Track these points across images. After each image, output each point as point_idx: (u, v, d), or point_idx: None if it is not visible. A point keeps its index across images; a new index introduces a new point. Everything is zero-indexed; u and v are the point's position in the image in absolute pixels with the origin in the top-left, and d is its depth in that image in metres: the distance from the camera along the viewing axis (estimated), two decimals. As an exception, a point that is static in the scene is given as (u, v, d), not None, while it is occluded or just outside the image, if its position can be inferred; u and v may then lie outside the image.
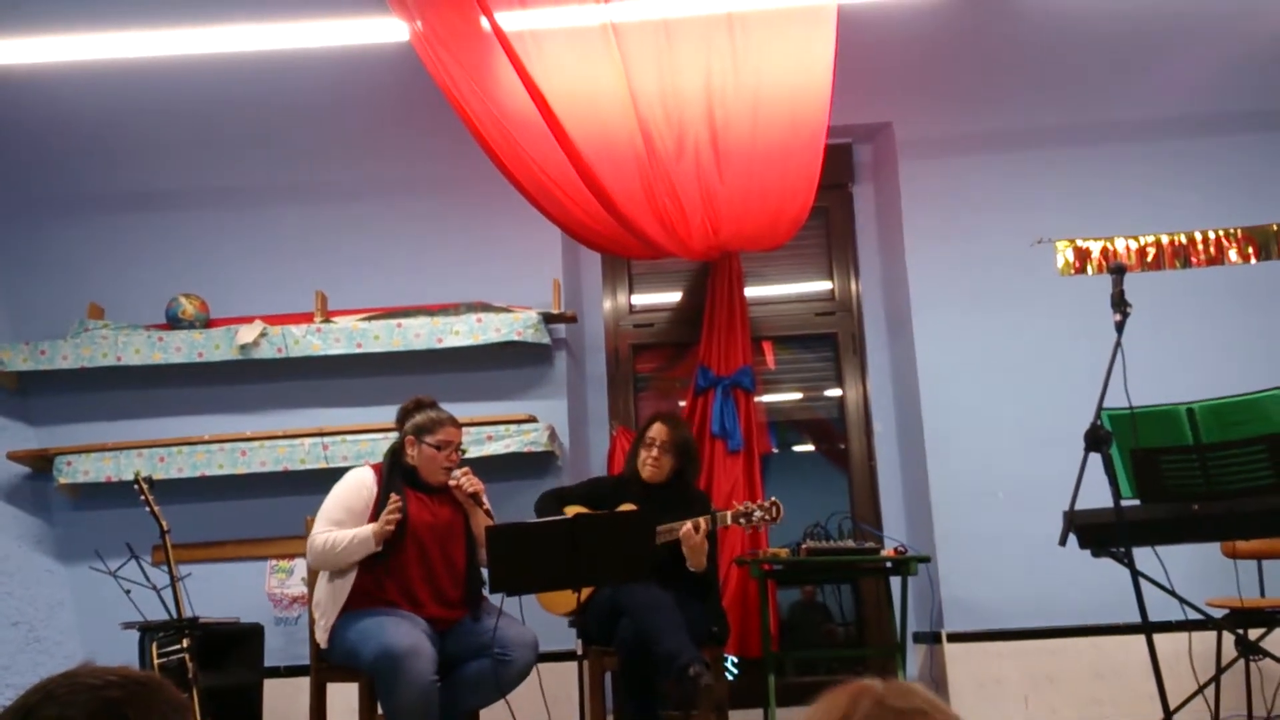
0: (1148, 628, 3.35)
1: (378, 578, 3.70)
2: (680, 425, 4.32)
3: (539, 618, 4.01)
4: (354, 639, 3.58)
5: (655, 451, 4.21)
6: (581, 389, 5.42)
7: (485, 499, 3.89)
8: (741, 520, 4.01)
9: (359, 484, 3.83)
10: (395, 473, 3.84)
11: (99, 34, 4.72)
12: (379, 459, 4.14)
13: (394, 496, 3.69)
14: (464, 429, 4.00)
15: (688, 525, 3.94)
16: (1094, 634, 4.68)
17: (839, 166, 5.45)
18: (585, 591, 3.58)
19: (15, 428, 5.11)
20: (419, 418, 3.88)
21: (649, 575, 3.67)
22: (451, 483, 3.83)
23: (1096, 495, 3.42)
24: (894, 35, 5.02)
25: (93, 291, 5.22)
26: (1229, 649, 3.96)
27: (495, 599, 3.68)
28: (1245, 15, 5.04)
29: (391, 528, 3.64)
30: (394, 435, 4.05)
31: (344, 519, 3.74)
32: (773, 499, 4.02)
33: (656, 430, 4.26)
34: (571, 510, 4.12)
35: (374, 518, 3.71)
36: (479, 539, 3.80)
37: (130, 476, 4.55)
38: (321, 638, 3.73)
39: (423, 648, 3.47)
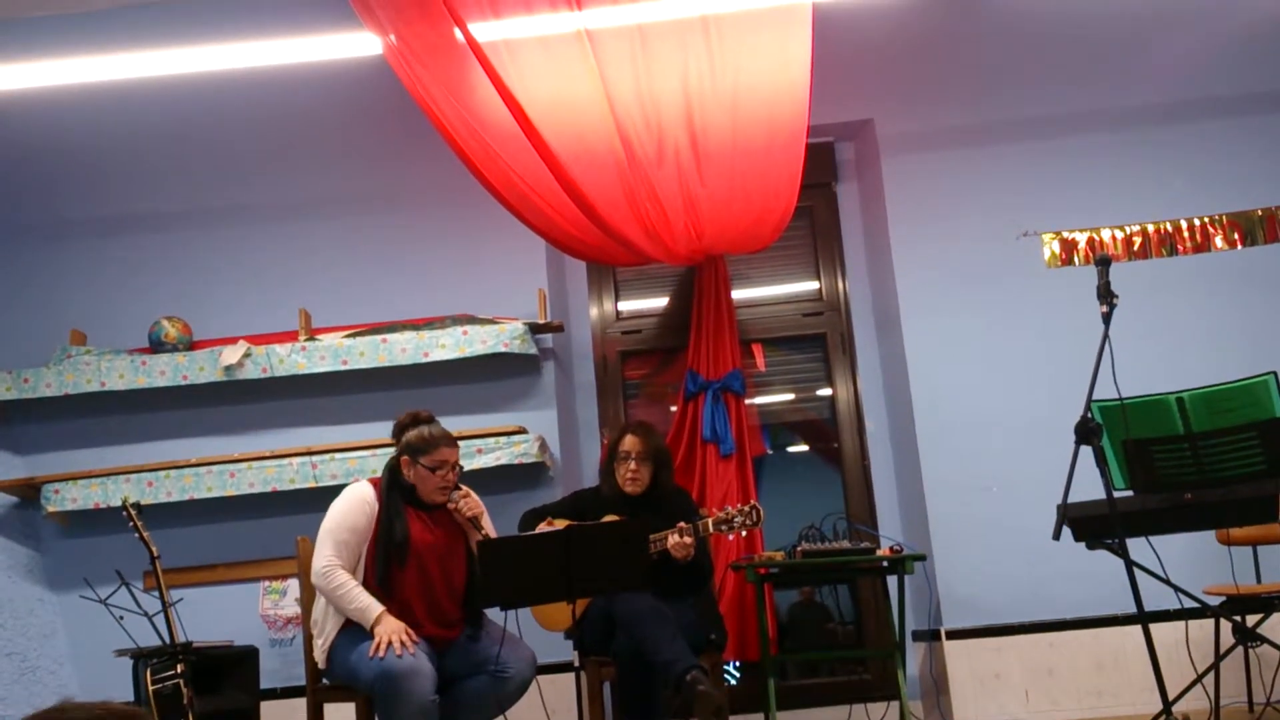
0: (1144, 618, 3.33)
1: (376, 597, 3.65)
2: (651, 433, 4.27)
3: (536, 632, 3.99)
4: (353, 659, 3.53)
5: (633, 464, 4.17)
6: (570, 398, 5.39)
7: (486, 521, 3.78)
8: (723, 528, 3.98)
9: (360, 501, 3.73)
10: (395, 490, 3.76)
11: (73, 59, 4.71)
12: (369, 476, 4.10)
13: (406, 633, 3.52)
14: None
15: (673, 540, 3.92)
16: (1092, 626, 4.66)
17: (822, 165, 5.44)
18: (580, 604, 3.55)
19: (1, 457, 5.07)
20: (412, 436, 3.76)
21: (644, 584, 3.65)
22: (450, 505, 3.75)
23: (1090, 487, 3.40)
24: (872, 31, 5.02)
25: (74, 317, 5.18)
26: (1227, 636, 3.96)
27: (496, 616, 3.64)
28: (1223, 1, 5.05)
29: (397, 648, 3.46)
30: (384, 452, 3.99)
31: (349, 539, 3.66)
32: (752, 503, 3.99)
33: (630, 442, 4.21)
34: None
35: (377, 535, 3.66)
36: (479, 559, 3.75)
37: (118, 502, 4.51)
38: (320, 657, 3.69)
39: (421, 667, 3.43)
